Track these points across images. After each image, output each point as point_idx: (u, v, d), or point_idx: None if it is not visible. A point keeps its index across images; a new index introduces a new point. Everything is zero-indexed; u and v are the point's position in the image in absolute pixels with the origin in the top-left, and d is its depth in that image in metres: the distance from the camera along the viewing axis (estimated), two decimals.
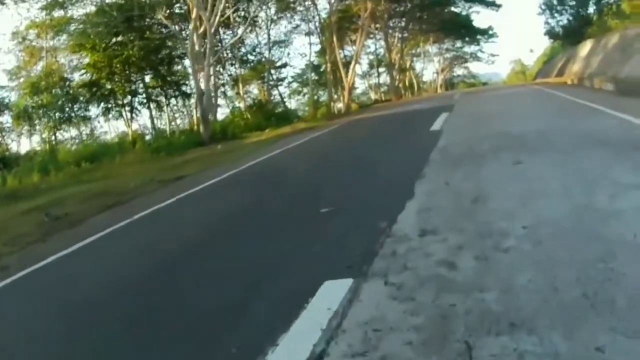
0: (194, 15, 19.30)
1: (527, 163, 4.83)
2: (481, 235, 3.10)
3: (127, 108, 26.90)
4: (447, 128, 8.76)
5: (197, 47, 19.84)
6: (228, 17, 24.39)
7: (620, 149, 4.76)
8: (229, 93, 33.43)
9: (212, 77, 25.61)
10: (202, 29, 20.12)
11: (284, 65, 37.72)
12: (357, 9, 31.41)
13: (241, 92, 32.35)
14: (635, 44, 15.87)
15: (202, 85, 20.52)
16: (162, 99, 28.62)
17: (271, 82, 35.77)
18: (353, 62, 31.14)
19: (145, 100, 27.39)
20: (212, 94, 25.47)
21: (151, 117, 28.25)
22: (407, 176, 5.17)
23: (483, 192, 4.09)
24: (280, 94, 37.00)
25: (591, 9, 23.69)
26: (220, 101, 30.82)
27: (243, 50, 31.51)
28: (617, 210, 3.12)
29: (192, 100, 26.32)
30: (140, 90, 27.28)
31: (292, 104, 41.75)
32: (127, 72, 25.03)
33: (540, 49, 51.37)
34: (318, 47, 34.92)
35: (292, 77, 41.10)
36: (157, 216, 6.07)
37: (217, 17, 20.80)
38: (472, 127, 8.55)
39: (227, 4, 22.72)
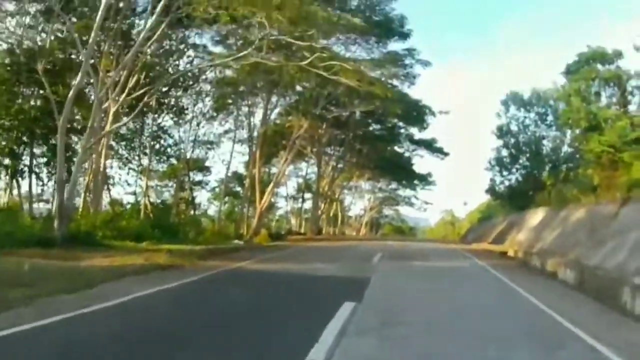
0: (77, 79, 14.36)
1: None
2: None
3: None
4: None
5: (91, 121, 15.48)
6: (145, 102, 19.18)
7: None
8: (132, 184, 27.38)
9: (102, 160, 19.89)
10: (106, 104, 17.12)
11: (206, 169, 33.33)
12: (289, 125, 27.79)
13: (144, 186, 26.37)
14: (612, 224, 12.08)
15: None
16: (45, 170, 21.55)
17: (186, 184, 30.54)
18: (272, 184, 26.79)
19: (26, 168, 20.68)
20: (100, 181, 19.89)
21: (30, 190, 21.69)
22: None
23: None
24: (193, 199, 31.69)
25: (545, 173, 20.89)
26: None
27: (164, 143, 26.11)
28: None
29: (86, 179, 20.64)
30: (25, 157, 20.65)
31: (211, 209, 37.20)
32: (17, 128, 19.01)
33: (474, 203, 49.59)
34: (247, 158, 30.35)
35: (216, 181, 36.36)
36: None
37: (123, 95, 17.70)
38: None
39: (142, 79, 18.54)
